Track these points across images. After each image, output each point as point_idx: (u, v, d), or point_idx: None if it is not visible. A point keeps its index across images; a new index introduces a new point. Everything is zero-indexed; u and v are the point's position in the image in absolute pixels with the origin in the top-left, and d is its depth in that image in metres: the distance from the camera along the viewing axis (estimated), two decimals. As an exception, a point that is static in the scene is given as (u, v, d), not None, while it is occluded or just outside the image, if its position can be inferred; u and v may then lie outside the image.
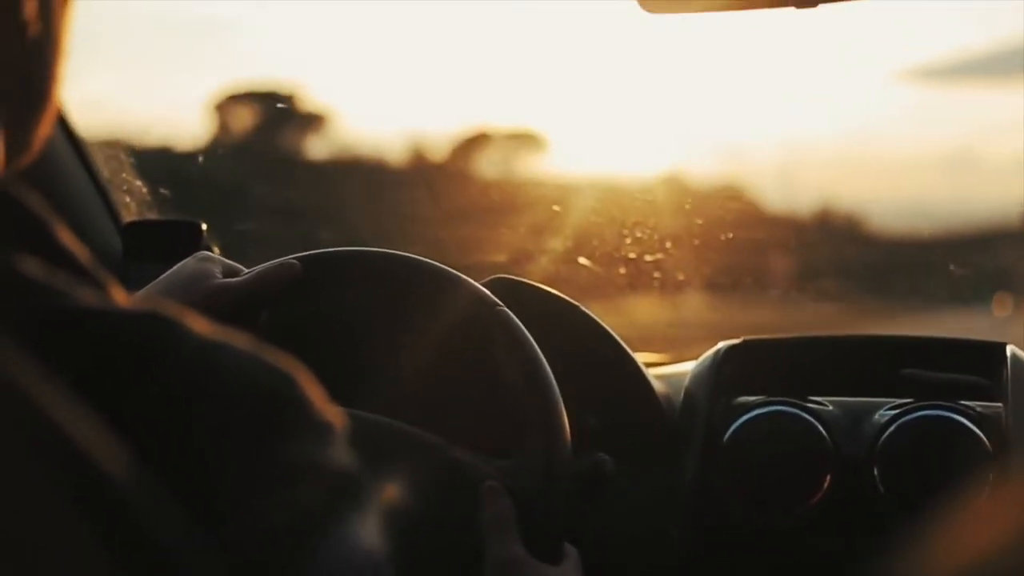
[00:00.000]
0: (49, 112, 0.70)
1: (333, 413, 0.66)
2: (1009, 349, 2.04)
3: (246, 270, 1.61)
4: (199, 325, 0.64)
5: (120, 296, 0.65)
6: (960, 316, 3.25)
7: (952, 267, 3.14)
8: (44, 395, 0.53)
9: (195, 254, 1.60)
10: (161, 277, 1.55)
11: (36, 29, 0.67)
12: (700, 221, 2.72)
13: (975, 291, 3.22)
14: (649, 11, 1.54)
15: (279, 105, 3.02)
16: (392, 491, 1.52)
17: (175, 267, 1.56)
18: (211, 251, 2.26)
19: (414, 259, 1.70)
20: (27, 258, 0.61)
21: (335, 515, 0.63)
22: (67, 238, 0.65)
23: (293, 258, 1.64)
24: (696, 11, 1.59)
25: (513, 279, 1.93)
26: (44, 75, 0.69)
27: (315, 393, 0.66)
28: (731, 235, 2.77)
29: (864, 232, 3.18)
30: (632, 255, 2.74)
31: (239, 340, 0.65)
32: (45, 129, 0.70)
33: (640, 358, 2.05)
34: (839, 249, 3.15)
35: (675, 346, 2.60)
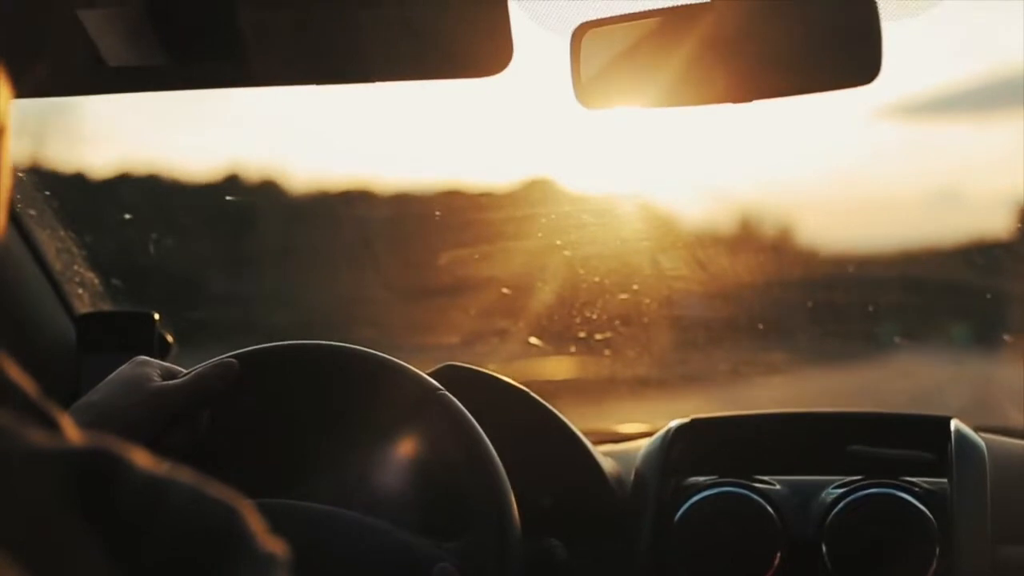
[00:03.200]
0: None
1: (275, 545, 0.66)
2: (953, 424, 2.07)
3: (184, 371, 1.63)
4: (143, 460, 0.64)
5: (68, 427, 0.65)
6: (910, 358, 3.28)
7: (896, 339, 3.18)
8: None
9: (133, 359, 1.61)
10: (100, 384, 1.56)
11: None
12: (647, 300, 2.75)
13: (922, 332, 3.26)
14: (586, 106, 1.57)
15: (228, 197, 3.03)
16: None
17: (113, 373, 1.58)
18: (165, 340, 2.27)
19: (352, 350, 1.71)
20: None
21: None
22: (12, 371, 0.65)
23: (231, 356, 1.66)
24: (633, 106, 1.63)
25: (461, 366, 1.94)
26: None
27: (258, 526, 0.66)
28: (679, 313, 2.79)
29: (816, 300, 3.20)
30: (582, 334, 2.76)
31: (183, 475, 0.65)
32: None
33: (587, 439, 2.07)
34: (789, 321, 3.17)
35: (627, 420, 2.62)
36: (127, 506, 0.61)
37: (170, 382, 1.58)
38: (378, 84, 1.55)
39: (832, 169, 3.28)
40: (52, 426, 0.65)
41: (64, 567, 0.58)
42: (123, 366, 1.60)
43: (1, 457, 0.60)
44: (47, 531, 0.59)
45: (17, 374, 0.66)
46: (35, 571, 0.56)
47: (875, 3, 1.48)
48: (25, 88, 0.72)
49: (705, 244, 2.85)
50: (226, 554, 0.63)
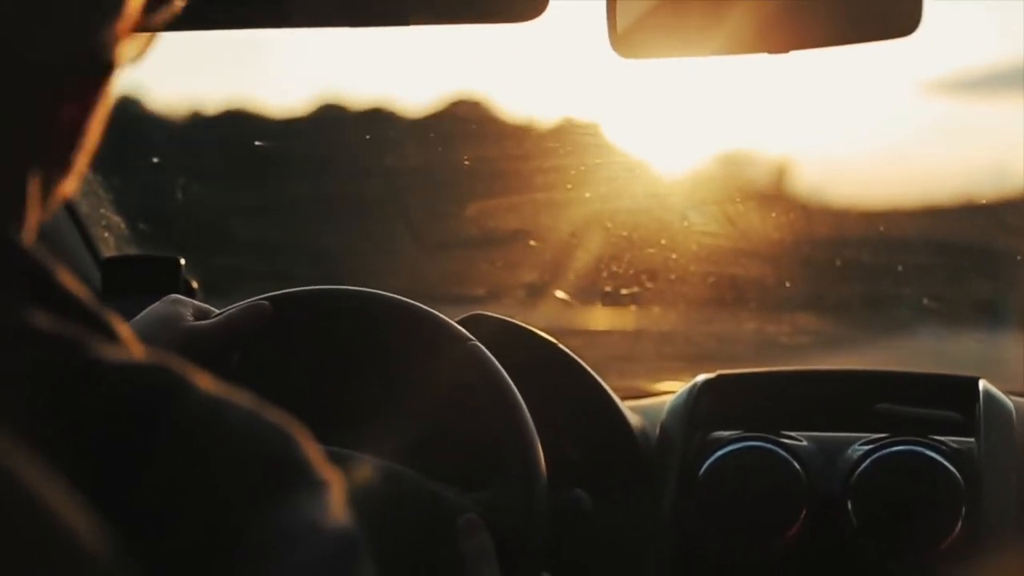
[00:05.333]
0: (73, 176, 0.72)
1: (331, 471, 0.66)
2: (981, 384, 2.06)
3: (216, 311, 1.63)
4: (203, 381, 0.65)
5: (127, 338, 0.66)
6: (935, 344, 3.27)
7: (926, 300, 3.17)
8: (37, 480, 0.53)
9: (165, 297, 1.61)
10: (132, 321, 1.56)
11: (73, 114, 0.69)
12: (675, 255, 2.74)
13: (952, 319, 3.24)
14: (622, 56, 1.56)
15: (256, 143, 3.03)
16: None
17: (146, 311, 1.57)
18: (190, 286, 2.27)
19: (385, 296, 1.71)
20: (37, 310, 0.62)
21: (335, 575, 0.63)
22: (72, 284, 0.66)
23: (263, 298, 1.66)
24: (669, 56, 1.61)
25: (489, 315, 1.94)
26: (76, 148, 0.70)
27: (313, 452, 0.66)
28: (706, 270, 2.78)
29: (845, 259, 3.19)
30: (608, 289, 2.76)
31: (240, 398, 0.66)
32: (67, 190, 0.72)
33: (613, 393, 2.06)
34: (817, 281, 3.16)
35: (653, 378, 2.61)
36: (187, 427, 0.62)
37: (202, 322, 1.58)
38: (413, 28, 1.53)
39: (868, 136, 3.26)
40: (112, 338, 0.65)
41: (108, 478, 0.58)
42: (155, 304, 1.60)
43: (66, 368, 0.61)
44: (107, 442, 0.59)
45: (76, 286, 0.66)
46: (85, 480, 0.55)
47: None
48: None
49: (735, 201, 2.84)
50: (283, 477, 0.63)
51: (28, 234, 0.67)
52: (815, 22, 1.54)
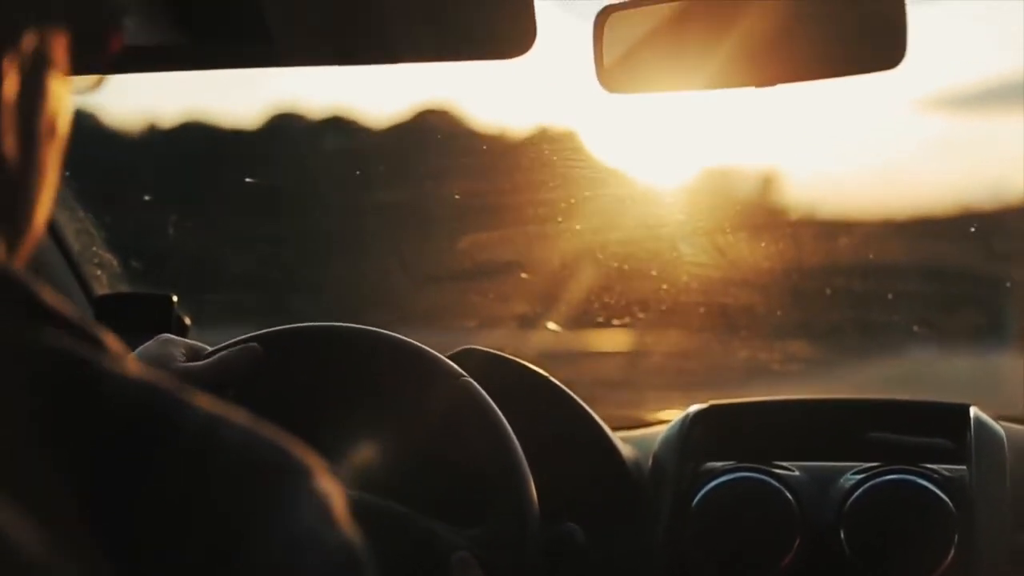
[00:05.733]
0: (37, 225, 0.71)
1: (333, 484, 0.67)
2: (972, 411, 2.06)
3: (209, 349, 1.63)
4: (199, 399, 0.65)
5: (122, 354, 0.66)
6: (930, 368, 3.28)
7: (915, 327, 3.18)
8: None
9: (157, 337, 1.62)
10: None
11: (16, 162, 0.68)
12: (665, 286, 2.75)
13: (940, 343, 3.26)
14: (609, 90, 1.57)
15: (247, 179, 3.04)
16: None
17: (137, 351, 1.58)
18: (183, 323, 2.28)
19: (376, 333, 1.72)
20: (36, 325, 0.62)
21: None
22: (57, 302, 0.66)
23: (254, 336, 1.67)
24: (656, 91, 1.63)
25: (480, 350, 1.95)
26: (30, 197, 0.70)
27: (315, 464, 0.67)
28: (698, 300, 2.79)
29: (835, 286, 3.20)
30: (600, 319, 2.76)
31: (237, 415, 0.66)
32: (33, 239, 0.72)
33: (606, 424, 2.07)
34: (808, 308, 3.17)
35: (645, 408, 2.62)
36: (186, 438, 0.62)
37: (194, 363, 1.59)
38: (401, 65, 1.54)
39: (860, 156, 3.27)
40: (106, 353, 0.65)
41: (109, 494, 0.58)
42: (147, 344, 1.60)
43: (66, 384, 0.61)
44: (106, 458, 0.59)
45: (68, 308, 0.66)
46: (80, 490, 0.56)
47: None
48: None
49: (725, 231, 2.85)
50: (283, 494, 0.64)
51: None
52: (800, 56, 1.56)
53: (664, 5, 1.56)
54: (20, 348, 0.61)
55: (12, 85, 0.67)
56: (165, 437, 0.62)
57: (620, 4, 1.56)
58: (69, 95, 0.72)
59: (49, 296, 0.65)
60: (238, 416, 0.66)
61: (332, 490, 0.66)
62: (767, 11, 1.53)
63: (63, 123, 0.72)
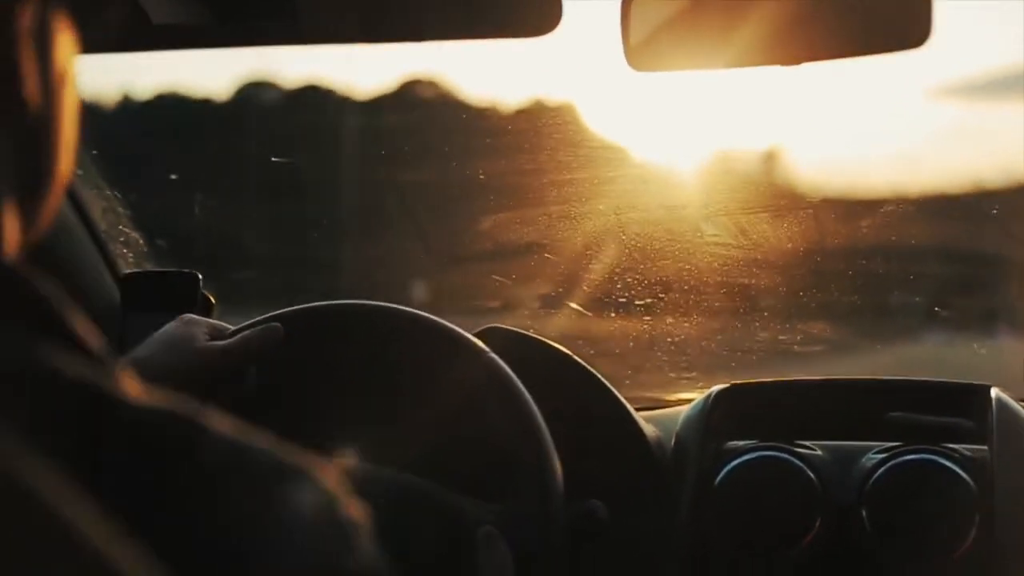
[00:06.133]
0: (57, 189, 0.70)
1: (357, 508, 0.66)
2: (994, 392, 2.07)
3: (231, 328, 1.64)
4: (218, 423, 0.64)
5: (131, 384, 0.64)
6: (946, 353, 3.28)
7: (936, 308, 3.18)
8: (60, 498, 0.53)
9: (180, 317, 1.63)
10: (147, 341, 1.57)
11: (38, 107, 0.67)
12: (688, 267, 2.75)
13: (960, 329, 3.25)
14: (636, 69, 1.58)
15: (272, 159, 3.05)
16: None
17: (160, 331, 1.59)
18: (208, 301, 2.29)
19: (399, 310, 1.73)
20: (50, 347, 0.61)
21: None
22: (79, 322, 0.65)
23: (276, 315, 1.68)
24: (682, 69, 1.63)
25: (504, 328, 1.96)
26: (50, 153, 0.69)
27: (339, 489, 0.66)
28: (720, 280, 2.80)
29: (856, 268, 3.20)
30: (622, 300, 2.77)
31: (259, 437, 0.65)
32: (53, 205, 0.70)
33: (629, 404, 2.08)
34: (829, 290, 3.17)
35: (667, 388, 2.63)
36: (205, 473, 0.61)
37: (217, 343, 1.60)
38: (427, 43, 1.55)
39: (879, 142, 3.27)
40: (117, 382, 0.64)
41: (136, 522, 0.57)
42: (170, 324, 1.61)
43: (82, 410, 0.60)
44: (122, 490, 0.59)
45: (84, 326, 0.65)
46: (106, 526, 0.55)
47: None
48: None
49: (747, 212, 2.85)
50: (306, 522, 0.63)
51: (13, 255, 0.66)
52: (827, 35, 1.56)
53: (689, -16, 1.56)
54: (34, 373, 0.60)
55: (27, 21, 0.65)
56: (185, 463, 0.61)
57: (647, -16, 1.57)
58: (75, 53, 0.70)
59: (69, 315, 0.64)
60: (260, 437, 0.65)
61: (356, 514, 0.66)
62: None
63: (73, 78, 0.70)
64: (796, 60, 1.55)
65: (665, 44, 1.59)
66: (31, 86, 0.66)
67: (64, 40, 0.68)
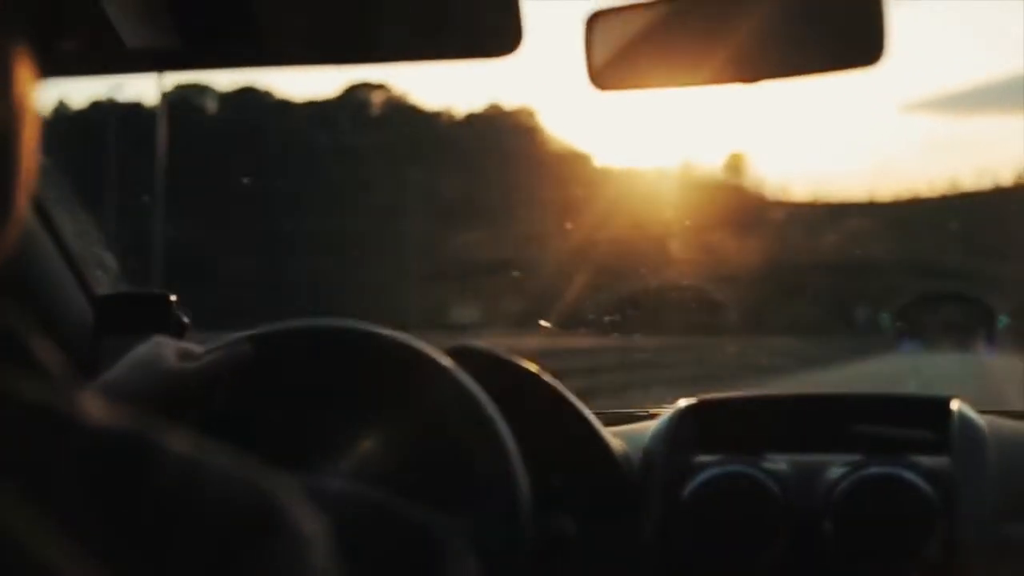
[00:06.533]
0: (17, 213, 0.70)
1: (314, 521, 0.67)
2: (955, 404, 2.10)
3: (200, 349, 1.66)
4: (177, 441, 0.65)
5: (93, 407, 0.65)
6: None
7: (898, 323, 3.22)
8: (13, 520, 0.55)
9: (150, 339, 1.65)
10: (118, 364, 1.59)
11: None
12: (656, 284, 2.79)
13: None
14: (600, 89, 1.61)
15: (243, 180, 3.07)
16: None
17: (130, 353, 1.61)
18: (181, 323, 2.31)
19: (366, 329, 1.75)
20: (7, 370, 0.62)
21: None
22: (40, 345, 0.66)
23: (245, 335, 1.70)
24: (645, 87, 1.66)
25: (472, 346, 1.97)
26: (10, 178, 0.69)
27: (296, 504, 0.66)
28: (687, 296, 2.83)
29: (821, 283, 3.24)
30: (591, 316, 2.80)
31: (218, 454, 0.65)
32: (14, 229, 0.70)
33: (596, 419, 2.09)
34: (795, 304, 3.22)
35: (636, 403, 2.65)
36: (163, 491, 0.62)
37: (186, 365, 1.61)
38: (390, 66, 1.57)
39: (847, 157, 3.32)
40: (75, 404, 0.65)
41: (91, 544, 0.58)
42: (140, 346, 1.63)
43: (37, 433, 0.61)
44: (76, 508, 0.59)
45: (45, 352, 0.66)
46: (59, 545, 0.56)
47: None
48: (45, 70, 0.73)
49: (715, 229, 2.89)
50: (263, 537, 0.64)
51: None
52: (785, 54, 1.59)
53: (650, 7, 1.59)
54: None
55: None
56: (143, 488, 0.62)
57: (608, 9, 1.60)
58: (35, 80, 0.71)
59: (29, 338, 0.65)
60: (218, 455, 0.65)
61: (314, 531, 0.66)
62: (749, 12, 1.57)
63: (32, 107, 0.71)
64: (754, 78, 1.58)
65: (626, 64, 1.62)
66: None
67: (23, 68, 0.69)
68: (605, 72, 1.62)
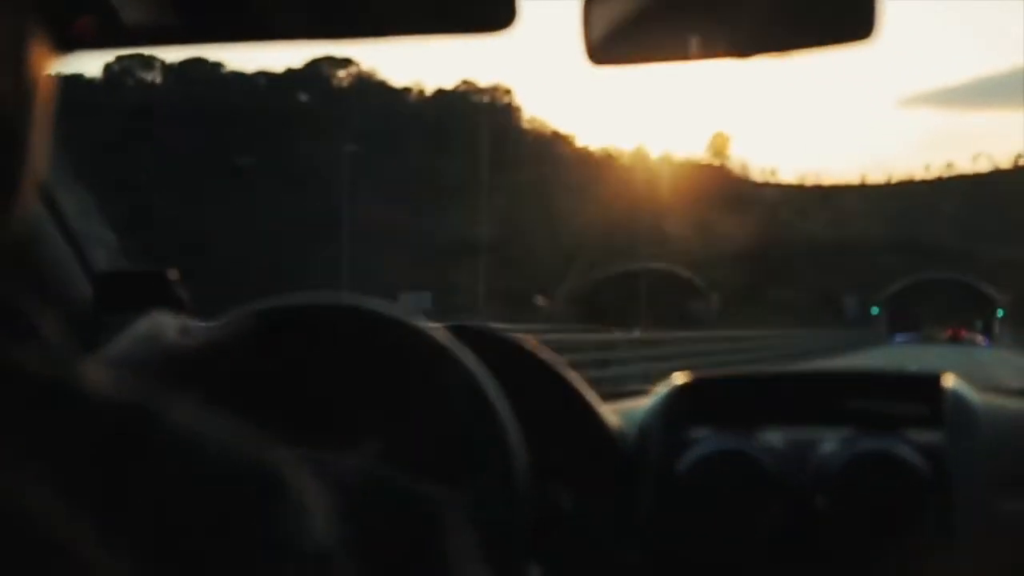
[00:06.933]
0: (27, 188, 0.71)
1: (315, 492, 0.68)
2: (947, 378, 2.11)
3: (202, 325, 1.67)
4: (179, 412, 0.65)
5: (95, 378, 0.66)
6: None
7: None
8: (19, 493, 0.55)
9: (150, 315, 1.66)
10: (119, 339, 1.60)
11: (10, 110, 0.68)
12: (648, 265, 2.80)
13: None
14: (596, 64, 1.62)
15: (238, 162, 3.08)
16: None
17: (130, 329, 1.62)
18: (181, 300, 2.32)
19: (366, 306, 1.76)
20: (10, 341, 0.63)
21: None
22: (43, 317, 0.67)
23: (244, 312, 1.71)
24: (640, 63, 1.67)
25: (470, 323, 1.99)
26: (21, 153, 0.70)
27: (297, 474, 0.67)
28: (678, 278, 2.84)
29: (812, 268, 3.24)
30: (589, 295, 2.81)
31: (219, 425, 0.66)
32: (24, 204, 0.71)
33: (592, 396, 2.11)
34: (787, 287, 3.22)
35: (631, 381, 2.66)
36: (164, 460, 0.63)
37: (186, 340, 1.63)
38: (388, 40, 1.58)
39: (846, 147, 3.32)
40: (77, 376, 0.65)
41: (92, 514, 0.59)
42: (140, 321, 1.64)
43: (39, 404, 0.62)
44: (78, 478, 0.60)
45: (48, 325, 0.68)
46: (63, 516, 0.57)
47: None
48: (54, 48, 0.73)
49: (694, 211, 2.90)
50: (264, 505, 0.64)
51: None
52: (776, 30, 1.61)
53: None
54: None
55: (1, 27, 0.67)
56: (140, 453, 0.62)
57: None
58: (49, 58, 0.72)
59: (33, 310, 0.66)
60: (216, 421, 0.66)
61: (313, 497, 0.67)
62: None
63: (46, 82, 0.72)
64: (750, 53, 1.59)
65: (622, 40, 1.63)
66: (3, 89, 0.68)
67: (37, 45, 0.70)
68: (601, 49, 1.63)
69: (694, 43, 1.62)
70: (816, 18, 1.61)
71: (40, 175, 0.73)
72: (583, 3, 1.61)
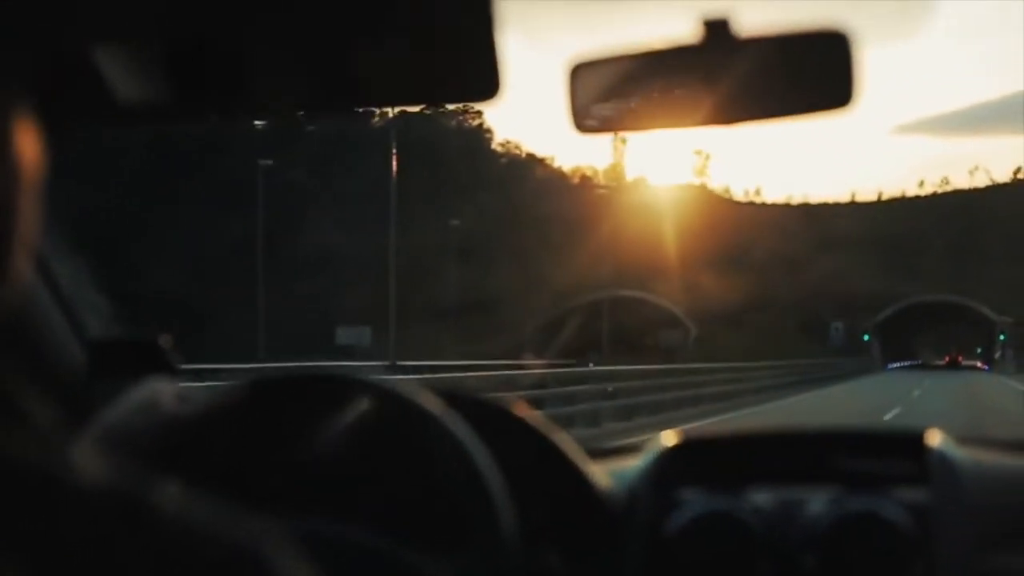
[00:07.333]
0: (17, 260, 0.71)
1: (305, 569, 0.68)
2: (932, 435, 2.14)
3: (196, 392, 1.69)
4: (167, 496, 0.66)
5: (84, 460, 0.66)
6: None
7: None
8: None
9: (146, 383, 1.67)
10: (116, 407, 1.61)
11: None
12: (637, 317, 2.82)
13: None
14: (581, 132, 1.65)
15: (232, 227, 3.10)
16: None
17: (125, 397, 1.63)
18: (175, 366, 2.33)
19: (359, 375, 1.78)
20: (12, 432, 0.63)
21: None
22: (30, 400, 0.68)
23: (241, 381, 1.73)
24: (623, 131, 1.70)
25: (459, 390, 2.01)
26: (11, 236, 0.71)
27: (286, 551, 0.68)
28: (671, 328, 2.86)
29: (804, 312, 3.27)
30: (576, 350, 2.82)
31: (208, 506, 0.67)
32: (17, 282, 0.71)
33: (581, 455, 2.12)
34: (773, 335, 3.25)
35: (620, 435, 2.68)
36: (155, 545, 0.64)
37: (182, 408, 1.64)
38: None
39: (844, 177, 3.35)
40: (67, 456, 0.66)
41: None
42: (135, 390, 1.65)
43: (26, 494, 0.62)
44: (74, 559, 0.61)
45: (35, 403, 0.69)
46: None
47: (848, 39, 1.57)
48: (40, 124, 0.74)
49: (684, 236, 2.92)
50: None
51: None
52: (761, 99, 1.64)
53: (630, 58, 1.64)
54: None
55: None
56: (130, 543, 0.63)
57: (588, 59, 1.64)
58: (35, 141, 0.73)
59: (20, 391, 0.67)
60: (203, 502, 0.67)
61: (301, 570, 0.68)
62: (726, 60, 1.62)
63: (34, 169, 0.73)
64: (732, 122, 1.63)
65: (606, 110, 1.66)
66: None
67: (23, 128, 0.72)
68: (587, 117, 1.67)
69: (678, 112, 1.65)
70: (797, 88, 1.64)
71: (33, 245, 0.73)
72: (569, 72, 1.65)
